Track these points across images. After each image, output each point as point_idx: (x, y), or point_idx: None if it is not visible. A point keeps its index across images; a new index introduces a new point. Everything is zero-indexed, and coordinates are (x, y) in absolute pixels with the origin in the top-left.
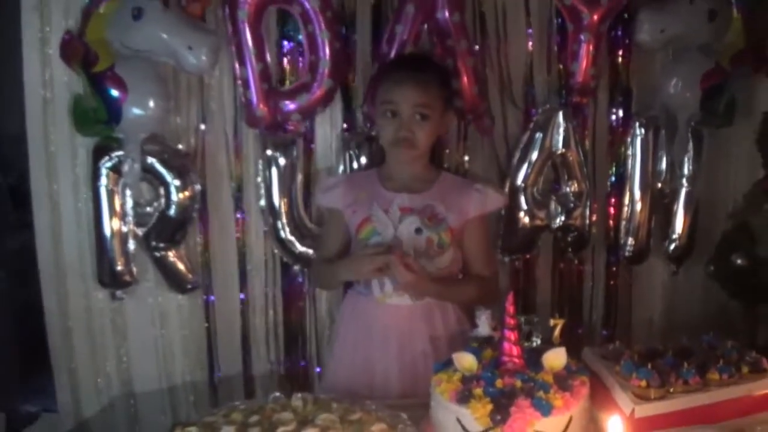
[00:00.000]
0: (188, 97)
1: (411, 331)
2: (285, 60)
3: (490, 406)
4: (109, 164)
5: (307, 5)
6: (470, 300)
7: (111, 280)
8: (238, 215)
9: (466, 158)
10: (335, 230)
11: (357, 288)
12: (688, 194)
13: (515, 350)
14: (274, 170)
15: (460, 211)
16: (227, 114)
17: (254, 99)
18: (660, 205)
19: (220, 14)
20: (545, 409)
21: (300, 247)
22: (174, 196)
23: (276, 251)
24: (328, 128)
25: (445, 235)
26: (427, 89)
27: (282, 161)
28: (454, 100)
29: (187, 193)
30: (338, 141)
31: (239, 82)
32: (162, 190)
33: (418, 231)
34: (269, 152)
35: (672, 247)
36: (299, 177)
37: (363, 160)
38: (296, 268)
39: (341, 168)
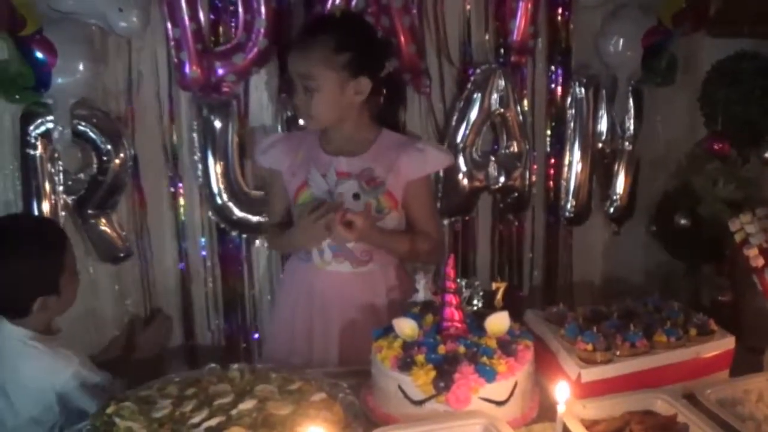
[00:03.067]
0: (117, 60)
1: (352, 298)
2: (218, 20)
3: (432, 373)
4: (38, 131)
5: None
6: (419, 253)
7: None
8: (173, 181)
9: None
10: (279, 191)
11: (297, 254)
12: (629, 154)
13: (457, 315)
14: (209, 133)
15: (399, 172)
16: (160, 76)
17: (187, 60)
18: (600, 165)
19: None
20: (489, 375)
21: (239, 213)
22: (106, 162)
23: (213, 217)
24: (264, 90)
25: (384, 199)
26: (310, 58)
27: (218, 124)
28: (371, 64)
29: (119, 159)
30: (274, 103)
31: (172, 43)
32: (94, 156)
33: (355, 196)
34: (204, 115)
35: (613, 207)
36: (235, 140)
37: (301, 122)
38: (234, 234)
39: (278, 130)
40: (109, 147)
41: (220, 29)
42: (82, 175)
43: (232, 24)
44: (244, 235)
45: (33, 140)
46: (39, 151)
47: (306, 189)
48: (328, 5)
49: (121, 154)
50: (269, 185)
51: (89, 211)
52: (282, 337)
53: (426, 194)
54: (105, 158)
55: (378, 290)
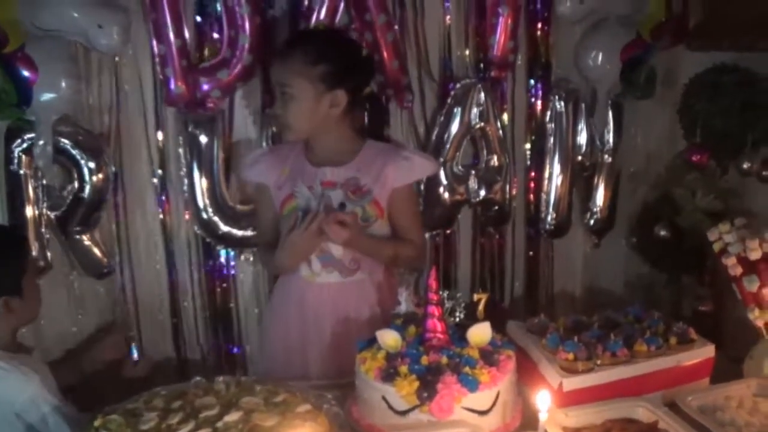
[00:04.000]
0: (100, 77)
1: (344, 308)
2: (203, 36)
3: (416, 384)
4: (21, 147)
5: None
6: (402, 259)
7: None
8: (159, 196)
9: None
10: (267, 206)
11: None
12: (609, 167)
13: (439, 326)
14: (195, 149)
15: (386, 181)
16: (145, 92)
17: (172, 77)
18: (580, 178)
19: None
20: (472, 385)
21: (224, 227)
22: (88, 179)
23: (198, 232)
24: (248, 105)
25: (370, 207)
26: (288, 67)
27: (203, 139)
28: (348, 79)
29: (101, 175)
30: (259, 118)
31: (157, 59)
32: (75, 173)
33: (341, 206)
34: (190, 130)
35: (593, 219)
36: (221, 155)
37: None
38: (219, 248)
39: (263, 145)
40: (91, 164)
41: (205, 45)
42: (65, 192)
43: (217, 39)
44: (231, 251)
45: (17, 157)
46: (23, 168)
47: (292, 200)
48: (313, 21)
49: (103, 171)
50: (256, 200)
51: (75, 228)
52: (277, 353)
53: (410, 201)
54: (86, 175)
55: (368, 298)
